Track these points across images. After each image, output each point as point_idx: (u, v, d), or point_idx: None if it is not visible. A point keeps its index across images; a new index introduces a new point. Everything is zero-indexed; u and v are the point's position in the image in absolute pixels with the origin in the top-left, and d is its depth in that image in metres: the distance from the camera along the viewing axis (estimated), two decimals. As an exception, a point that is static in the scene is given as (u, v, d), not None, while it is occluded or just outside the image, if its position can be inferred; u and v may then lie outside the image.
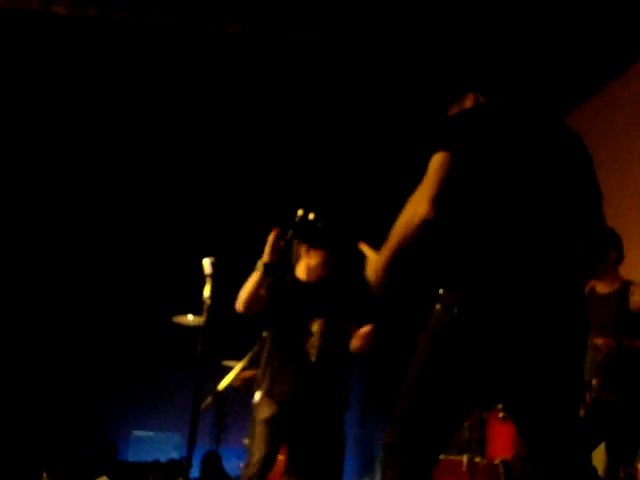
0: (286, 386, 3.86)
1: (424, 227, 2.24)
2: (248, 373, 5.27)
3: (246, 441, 5.56)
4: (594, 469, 2.50)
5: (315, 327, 3.95)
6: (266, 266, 3.76)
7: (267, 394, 3.88)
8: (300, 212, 3.37)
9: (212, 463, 5.86)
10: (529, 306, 2.24)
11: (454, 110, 2.71)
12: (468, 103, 2.68)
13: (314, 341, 3.93)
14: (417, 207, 2.26)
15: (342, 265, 3.96)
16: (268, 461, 3.81)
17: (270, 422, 3.82)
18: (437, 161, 2.31)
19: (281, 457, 4.15)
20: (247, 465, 3.88)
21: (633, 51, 5.26)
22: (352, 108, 6.32)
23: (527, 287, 2.25)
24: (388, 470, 2.28)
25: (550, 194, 2.37)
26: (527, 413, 2.31)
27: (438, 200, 2.25)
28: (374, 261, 2.43)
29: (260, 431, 3.82)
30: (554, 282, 2.30)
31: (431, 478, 2.29)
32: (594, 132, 5.53)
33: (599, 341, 4.08)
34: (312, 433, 3.87)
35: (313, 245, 3.86)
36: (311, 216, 3.31)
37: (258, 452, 3.80)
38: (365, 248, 2.62)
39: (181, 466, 5.28)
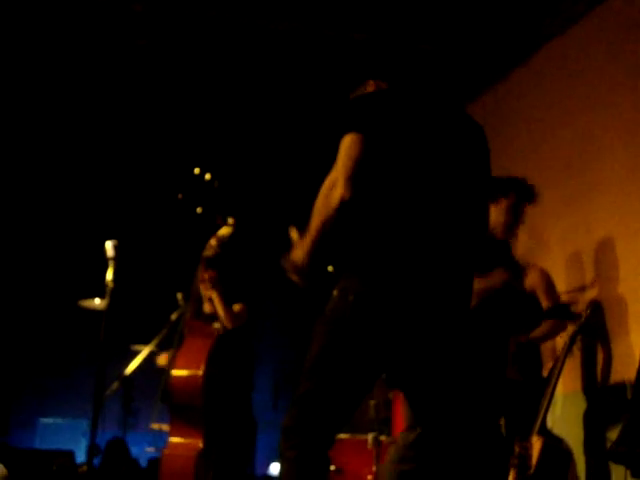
0: None
1: (342, 209, 2.22)
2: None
3: (154, 426, 5.50)
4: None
5: None
6: None
7: None
8: (197, 171, 3.27)
9: (117, 450, 5.77)
10: (425, 295, 2.27)
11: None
12: (369, 89, 2.70)
13: None
14: (333, 189, 2.24)
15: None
16: None
17: None
18: (348, 142, 2.30)
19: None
20: None
21: (536, 39, 5.40)
22: (255, 85, 6.29)
23: (425, 276, 2.28)
24: (286, 451, 2.31)
25: (452, 180, 2.39)
26: (419, 394, 2.37)
27: (353, 180, 2.24)
28: (297, 249, 2.38)
29: None
30: (452, 274, 2.33)
31: (328, 458, 2.33)
32: (497, 119, 5.68)
33: None
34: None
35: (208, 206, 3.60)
36: (207, 176, 3.21)
37: None
38: (294, 234, 2.50)
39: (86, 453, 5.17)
